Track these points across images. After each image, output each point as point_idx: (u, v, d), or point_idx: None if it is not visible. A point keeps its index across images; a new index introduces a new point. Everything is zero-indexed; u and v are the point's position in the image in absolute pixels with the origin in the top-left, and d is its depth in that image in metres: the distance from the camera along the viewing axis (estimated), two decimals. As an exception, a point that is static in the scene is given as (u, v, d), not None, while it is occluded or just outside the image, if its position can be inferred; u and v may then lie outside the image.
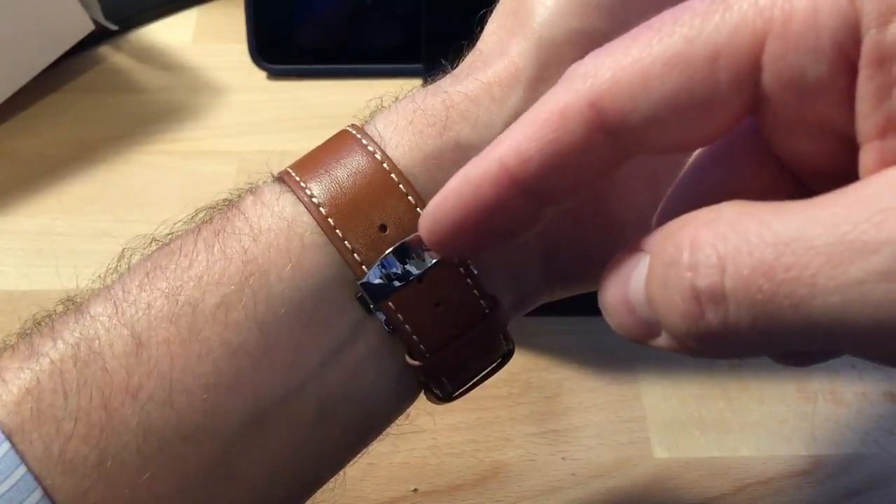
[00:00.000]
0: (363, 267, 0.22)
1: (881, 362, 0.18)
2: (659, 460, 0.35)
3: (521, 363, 0.38)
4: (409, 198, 0.22)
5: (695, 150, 0.19)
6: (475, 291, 0.23)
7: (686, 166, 0.21)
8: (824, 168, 0.18)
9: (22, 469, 0.20)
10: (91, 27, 0.47)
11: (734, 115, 0.17)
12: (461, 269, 0.23)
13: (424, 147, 0.23)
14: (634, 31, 0.18)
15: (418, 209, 0.22)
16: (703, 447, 0.36)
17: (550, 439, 0.36)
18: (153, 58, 0.50)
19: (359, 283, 0.22)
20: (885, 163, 0.16)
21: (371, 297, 0.22)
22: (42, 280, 0.40)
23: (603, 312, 0.18)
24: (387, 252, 0.22)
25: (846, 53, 0.16)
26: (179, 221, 0.24)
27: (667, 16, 0.17)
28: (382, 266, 0.22)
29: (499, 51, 0.24)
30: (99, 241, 0.42)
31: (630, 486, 0.35)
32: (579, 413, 0.37)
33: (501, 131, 0.23)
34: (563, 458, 0.35)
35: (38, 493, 0.20)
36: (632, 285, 0.17)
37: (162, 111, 0.48)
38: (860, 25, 0.15)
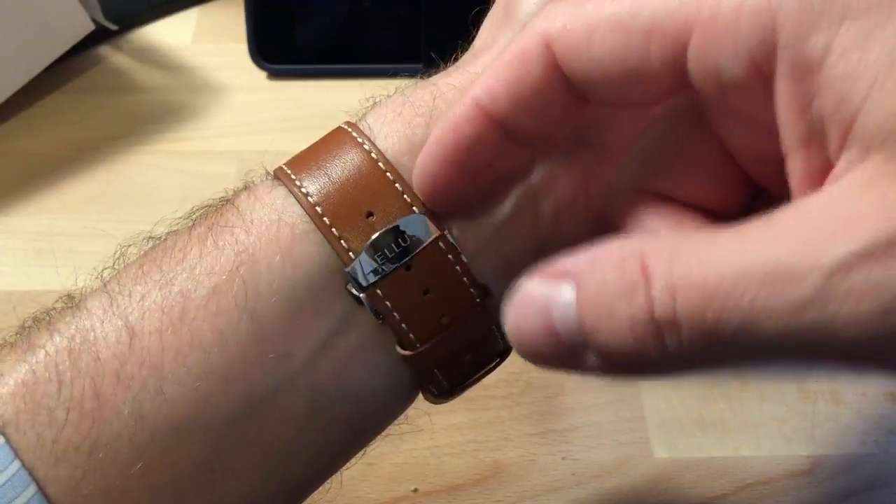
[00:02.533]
0: (350, 254, 0.22)
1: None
2: (659, 460, 0.35)
3: (521, 363, 0.37)
4: (397, 185, 0.23)
5: (639, 108, 0.21)
6: (464, 279, 0.23)
7: (644, 133, 0.22)
8: (760, 153, 0.19)
9: (17, 464, 0.20)
10: (91, 27, 0.47)
11: (665, 90, 0.19)
12: (450, 256, 0.23)
13: (412, 137, 0.23)
14: None
15: (406, 197, 0.22)
16: (703, 447, 0.36)
17: (550, 439, 0.36)
18: (153, 58, 0.50)
19: (346, 269, 0.22)
20: (810, 174, 0.17)
21: (358, 284, 0.22)
22: (42, 279, 0.40)
23: (511, 340, 0.18)
24: (373, 237, 0.22)
25: (761, 61, 0.16)
26: (176, 220, 0.24)
27: None
28: (369, 252, 0.22)
29: (489, 44, 0.25)
30: (99, 240, 0.41)
31: (630, 486, 0.34)
32: (579, 413, 0.36)
33: None
34: (563, 458, 0.35)
35: (32, 489, 0.20)
36: (558, 313, 0.17)
37: (162, 111, 0.48)
38: (777, 36, 0.16)
